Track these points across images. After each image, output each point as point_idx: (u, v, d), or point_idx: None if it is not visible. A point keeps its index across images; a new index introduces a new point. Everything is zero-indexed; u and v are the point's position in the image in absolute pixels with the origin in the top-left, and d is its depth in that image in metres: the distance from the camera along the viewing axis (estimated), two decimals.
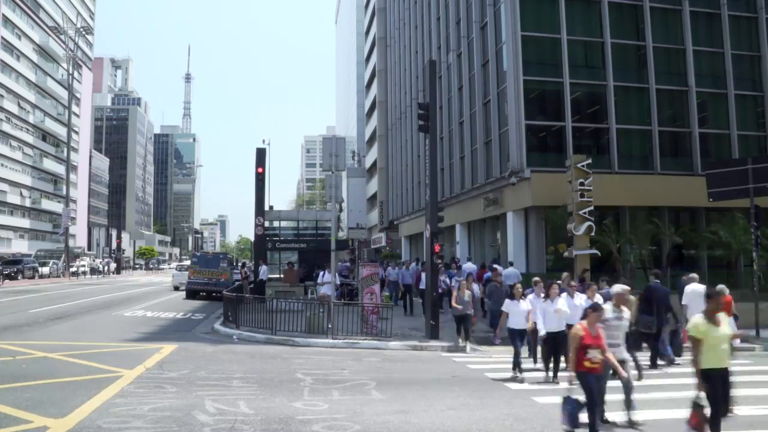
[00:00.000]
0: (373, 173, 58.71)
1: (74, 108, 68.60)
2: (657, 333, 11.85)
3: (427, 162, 16.09)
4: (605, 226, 21.60)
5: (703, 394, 6.05)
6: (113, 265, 63.00)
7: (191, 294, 27.45)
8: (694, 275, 12.71)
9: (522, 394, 9.09)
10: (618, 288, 8.28)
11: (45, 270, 45.65)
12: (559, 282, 11.18)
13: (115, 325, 16.64)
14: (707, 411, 6.04)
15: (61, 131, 76.80)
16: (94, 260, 63.22)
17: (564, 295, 10.49)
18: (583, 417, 6.49)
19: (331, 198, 16.01)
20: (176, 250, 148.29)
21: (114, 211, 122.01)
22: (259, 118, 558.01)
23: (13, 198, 74.17)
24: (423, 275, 18.41)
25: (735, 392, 9.06)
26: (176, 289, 32.38)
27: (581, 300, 10.38)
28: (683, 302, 12.09)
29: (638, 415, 7.57)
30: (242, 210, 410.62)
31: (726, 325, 6.31)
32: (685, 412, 6.27)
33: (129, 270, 75.65)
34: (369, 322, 15.03)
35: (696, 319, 6.30)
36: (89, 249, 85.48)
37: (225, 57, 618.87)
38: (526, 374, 10.44)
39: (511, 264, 20.25)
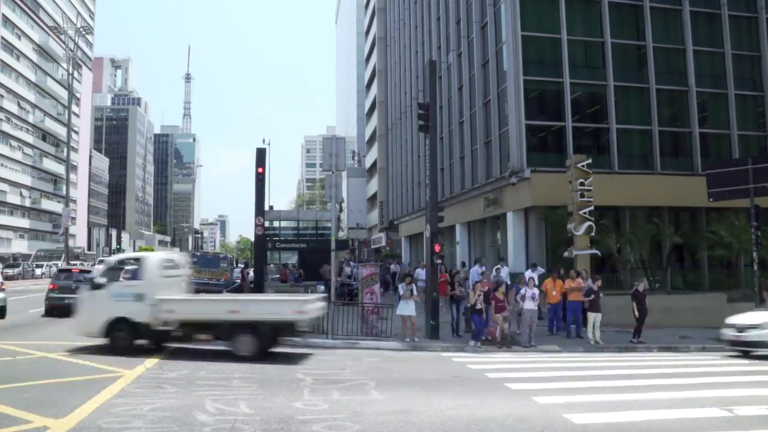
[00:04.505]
0: (373, 173, 58.71)
1: (74, 108, 68.64)
2: None
3: (427, 162, 16.10)
4: (605, 226, 21.58)
5: None
6: None
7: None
8: None
9: (522, 394, 9.09)
10: None
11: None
12: None
13: None
14: None
15: (61, 131, 76.82)
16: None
17: None
18: None
19: (331, 198, 16.06)
20: (176, 250, 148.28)
21: (114, 211, 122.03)
22: (259, 118, 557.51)
23: (13, 198, 74.17)
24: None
25: (735, 392, 9.09)
26: None
27: None
28: None
29: None
30: (242, 210, 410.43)
31: None
32: None
33: None
34: (369, 322, 15.03)
35: None
36: (89, 249, 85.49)
37: (225, 57, 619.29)
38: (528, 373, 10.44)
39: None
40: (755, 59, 25.92)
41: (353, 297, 20.74)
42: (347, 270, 26.44)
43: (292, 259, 29.24)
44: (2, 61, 69.33)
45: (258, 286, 22.92)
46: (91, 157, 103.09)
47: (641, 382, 10.03)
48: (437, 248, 15.95)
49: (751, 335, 12.92)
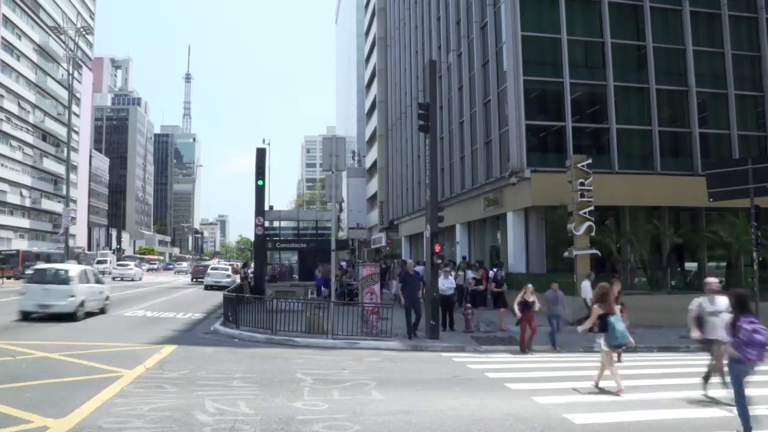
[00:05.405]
0: (373, 173, 58.71)
1: (74, 108, 68.45)
2: None
3: (427, 162, 16.08)
4: (605, 227, 21.57)
5: None
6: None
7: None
8: None
9: (522, 394, 9.09)
10: None
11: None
12: None
13: (115, 325, 16.64)
14: None
15: (61, 131, 76.78)
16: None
17: None
18: None
19: (331, 198, 16.04)
20: (176, 250, 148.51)
21: (114, 211, 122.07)
22: (259, 118, 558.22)
23: (13, 198, 74.16)
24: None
25: None
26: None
27: None
28: None
29: None
30: (242, 210, 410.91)
31: None
32: None
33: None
34: (369, 322, 15.03)
35: None
36: (89, 249, 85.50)
37: (225, 57, 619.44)
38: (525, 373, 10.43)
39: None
40: (755, 59, 25.92)
41: (353, 297, 20.76)
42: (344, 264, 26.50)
43: (292, 258, 29.21)
44: (2, 61, 69.31)
45: (257, 285, 22.98)
46: (91, 157, 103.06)
47: (642, 382, 10.04)
48: (437, 248, 15.94)
49: None
